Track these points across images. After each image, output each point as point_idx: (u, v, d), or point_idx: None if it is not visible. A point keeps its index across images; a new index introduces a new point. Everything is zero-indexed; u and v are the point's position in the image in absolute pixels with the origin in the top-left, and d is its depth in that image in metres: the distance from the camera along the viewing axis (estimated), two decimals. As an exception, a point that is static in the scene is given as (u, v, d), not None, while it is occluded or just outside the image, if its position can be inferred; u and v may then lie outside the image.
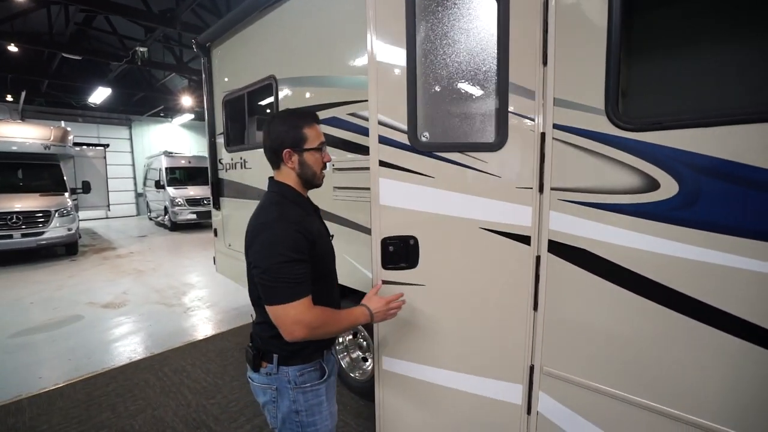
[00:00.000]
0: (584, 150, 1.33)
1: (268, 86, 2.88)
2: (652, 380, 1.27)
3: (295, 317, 1.05)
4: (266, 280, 1.07)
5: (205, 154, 4.08)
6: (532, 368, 1.51)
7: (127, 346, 3.57)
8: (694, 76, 1.41)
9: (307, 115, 1.23)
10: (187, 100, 12.05)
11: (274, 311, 1.07)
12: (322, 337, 1.14)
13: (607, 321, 1.34)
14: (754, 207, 1.07)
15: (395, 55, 1.44)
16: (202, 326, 4.00)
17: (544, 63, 1.36)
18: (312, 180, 1.24)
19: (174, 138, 16.31)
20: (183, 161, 11.47)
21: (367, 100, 2.06)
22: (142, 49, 8.19)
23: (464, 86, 1.49)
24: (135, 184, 15.50)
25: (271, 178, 1.26)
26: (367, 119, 2.11)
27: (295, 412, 1.18)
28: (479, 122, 1.50)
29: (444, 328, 1.55)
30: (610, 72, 1.24)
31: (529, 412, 1.53)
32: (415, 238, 1.49)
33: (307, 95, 2.54)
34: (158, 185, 11.07)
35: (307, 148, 1.18)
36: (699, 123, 1.13)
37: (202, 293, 5.15)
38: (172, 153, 11.73)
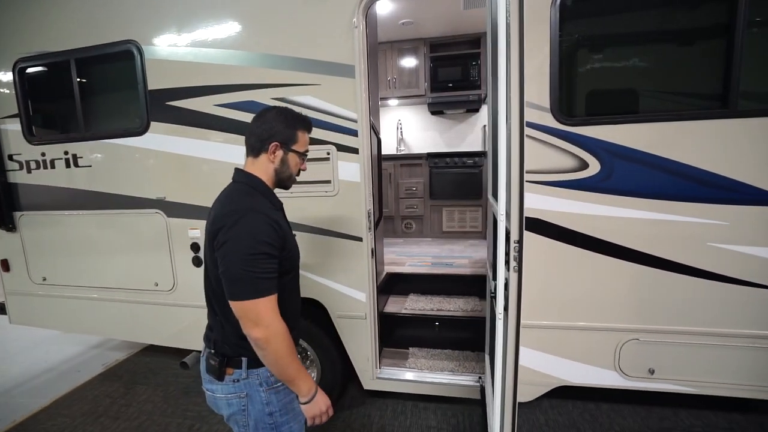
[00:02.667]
0: (535, 139, 1.69)
1: (124, 55, 2.14)
2: (580, 305, 1.77)
3: (262, 314, 1.00)
4: (237, 273, 1.00)
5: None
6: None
7: None
8: (611, 83, 1.82)
9: (305, 120, 1.23)
10: None
11: (241, 306, 1.00)
12: (264, 356, 1.03)
13: (556, 270, 1.76)
14: (645, 178, 1.65)
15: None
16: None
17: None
18: (285, 181, 1.23)
19: None
20: None
21: (304, 84, 1.93)
22: None
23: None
24: None
25: (238, 169, 1.20)
26: (304, 106, 1.94)
27: (269, 415, 1.13)
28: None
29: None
30: (553, 80, 1.64)
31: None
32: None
33: (205, 73, 2.05)
34: None
35: (293, 150, 1.19)
36: (614, 121, 1.64)
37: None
38: None
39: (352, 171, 1.94)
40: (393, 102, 4.45)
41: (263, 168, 1.16)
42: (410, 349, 2.37)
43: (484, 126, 4.43)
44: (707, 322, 1.69)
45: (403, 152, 4.49)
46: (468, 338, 2.32)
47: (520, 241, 1.12)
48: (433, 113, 4.45)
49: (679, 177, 1.63)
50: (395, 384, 2.11)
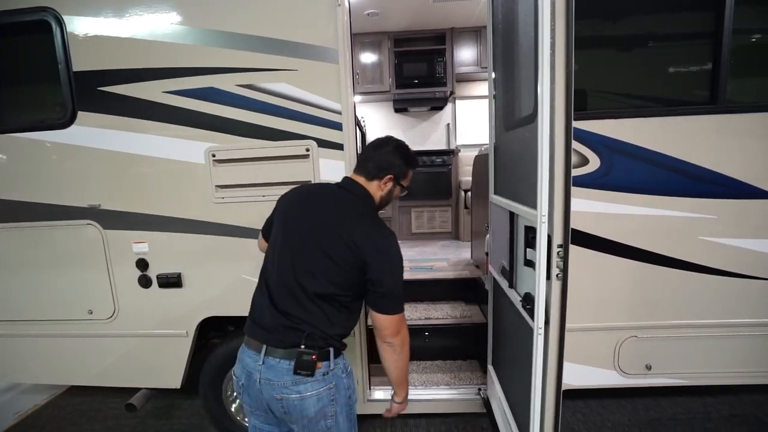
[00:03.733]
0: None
1: (38, 26, 1.70)
2: (580, 306, 1.69)
3: (402, 324, 1.21)
4: (399, 293, 1.18)
5: None
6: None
7: None
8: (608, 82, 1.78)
9: (415, 160, 1.32)
10: None
11: (392, 318, 1.17)
12: (397, 360, 1.24)
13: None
14: (642, 173, 1.62)
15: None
16: None
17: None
18: (383, 206, 1.32)
19: None
20: None
21: (277, 69, 1.65)
22: None
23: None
24: None
25: (353, 181, 1.27)
26: (278, 94, 1.66)
27: (348, 398, 1.21)
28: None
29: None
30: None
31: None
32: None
33: (150, 53, 1.68)
34: None
35: (401, 184, 1.30)
36: (613, 115, 1.59)
37: None
38: None
39: (336, 170, 1.70)
40: (356, 98, 4.23)
41: (373, 191, 1.26)
42: (398, 363, 2.18)
43: (448, 124, 4.38)
44: (700, 314, 1.72)
45: (366, 151, 4.28)
46: (459, 346, 2.19)
47: (565, 246, 0.99)
48: (396, 110, 4.31)
49: (673, 172, 1.63)
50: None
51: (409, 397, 1.97)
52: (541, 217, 0.98)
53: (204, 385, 1.94)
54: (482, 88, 4.29)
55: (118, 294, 1.85)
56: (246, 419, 1.98)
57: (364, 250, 1.12)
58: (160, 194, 1.77)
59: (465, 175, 3.81)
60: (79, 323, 1.90)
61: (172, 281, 1.80)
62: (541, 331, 1.03)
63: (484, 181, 2.57)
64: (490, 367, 1.78)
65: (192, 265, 1.81)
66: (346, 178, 1.29)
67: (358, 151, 1.74)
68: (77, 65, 1.71)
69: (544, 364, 1.06)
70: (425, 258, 3.11)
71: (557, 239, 0.99)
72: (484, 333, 1.97)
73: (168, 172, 1.74)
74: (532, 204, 1.07)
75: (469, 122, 4.34)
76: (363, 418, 2.10)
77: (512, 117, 1.40)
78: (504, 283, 1.44)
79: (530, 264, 1.14)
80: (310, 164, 1.70)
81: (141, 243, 1.81)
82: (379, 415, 2.13)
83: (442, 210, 3.77)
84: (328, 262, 1.13)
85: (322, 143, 1.69)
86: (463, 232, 3.71)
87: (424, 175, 3.70)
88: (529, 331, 1.10)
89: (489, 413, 1.74)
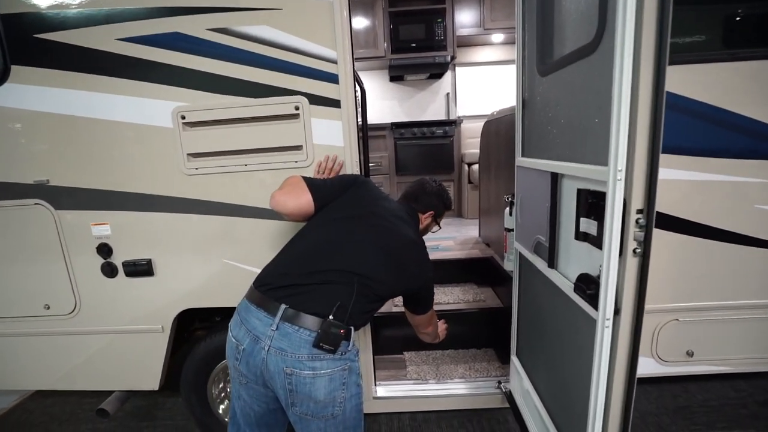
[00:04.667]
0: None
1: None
2: None
3: (433, 316, 1.42)
4: (430, 289, 1.32)
5: None
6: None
7: None
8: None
9: (451, 204, 1.51)
10: None
11: (423, 318, 1.37)
12: (428, 341, 1.53)
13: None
14: (687, 129, 1.36)
15: None
16: None
17: None
18: (422, 234, 1.41)
19: None
20: None
21: (256, 9, 1.34)
22: None
23: None
24: None
25: (414, 209, 1.40)
26: (259, 40, 1.36)
27: (358, 385, 1.09)
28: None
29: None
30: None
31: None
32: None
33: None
34: None
35: (437, 221, 1.47)
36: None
37: None
38: None
39: (332, 132, 1.43)
40: (346, 66, 3.88)
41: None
42: (405, 354, 1.96)
43: (448, 94, 4.07)
44: (752, 294, 1.51)
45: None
46: (473, 334, 1.97)
47: (648, 213, 0.74)
48: (392, 79, 3.97)
49: (723, 127, 1.38)
50: (398, 403, 1.70)
51: (422, 393, 1.78)
52: (616, 173, 0.73)
53: (186, 386, 1.70)
54: (485, 54, 3.96)
55: (78, 285, 1.57)
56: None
57: (409, 249, 1.19)
58: (119, 167, 1.47)
59: (468, 147, 3.54)
60: (36, 320, 1.62)
61: (141, 269, 1.53)
62: (609, 323, 0.80)
63: (495, 150, 2.31)
64: (514, 358, 1.56)
65: (164, 250, 1.53)
66: (407, 205, 1.39)
67: (358, 109, 1.46)
68: (5, 6, 1.37)
69: (610, 365, 0.82)
70: (429, 236, 2.85)
71: (636, 203, 0.74)
72: (501, 319, 1.76)
73: (128, 140, 1.44)
74: (597, 159, 0.82)
75: (470, 92, 4.03)
76: (366, 416, 1.90)
77: (551, 57, 1.13)
78: (539, 263, 1.19)
79: (586, 237, 0.89)
80: (301, 125, 1.41)
81: (101, 225, 1.52)
82: (385, 413, 1.94)
83: (445, 185, 3.51)
84: (384, 266, 1.11)
85: (315, 99, 1.40)
86: (467, 208, 3.46)
87: (424, 148, 3.42)
88: (587, 322, 0.86)
89: (513, 408, 1.54)
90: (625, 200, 0.75)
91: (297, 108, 1.40)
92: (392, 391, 1.68)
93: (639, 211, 0.75)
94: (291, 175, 1.28)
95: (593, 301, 0.83)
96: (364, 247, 1.11)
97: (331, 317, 0.98)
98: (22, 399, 2.33)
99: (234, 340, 1.05)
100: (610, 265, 0.77)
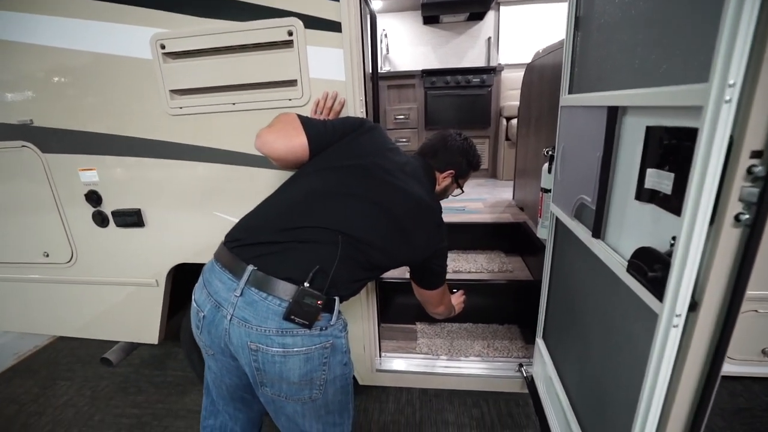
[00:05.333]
0: None
1: None
2: None
3: (446, 294, 1.24)
4: (442, 263, 1.12)
5: None
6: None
7: None
8: None
9: (478, 164, 1.26)
10: None
11: (433, 293, 1.18)
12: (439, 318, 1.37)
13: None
14: None
15: None
16: None
17: None
18: (437, 200, 1.14)
19: None
20: None
21: None
22: None
23: None
24: None
25: (429, 159, 1.18)
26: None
27: (344, 365, 0.90)
28: None
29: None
30: None
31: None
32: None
33: None
34: None
35: (458, 183, 1.22)
36: None
37: None
38: None
39: (332, 63, 1.17)
40: (375, 5, 3.48)
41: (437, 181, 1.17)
42: (417, 324, 1.79)
43: (489, 38, 3.58)
44: None
45: (389, 72, 3.61)
46: (495, 308, 1.75)
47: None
48: (426, 21, 3.53)
49: None
50: (403, 378, 1.54)
51: (433, 369, 1.62)
52: (724, 90, 0.44)
53: (186, 344, 1.65)
54: (536, -11, 3.39)
55: (72, 234, 1.50)
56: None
57: (420, 252, 1.02)
58: (100, 106, 1.32)
59: (508, 99, 3.12)
60: (38, 267, 1.59)
61: (130, 220, 1.42)
62: (679, 322, 0.54)
63: (537, 98, 1.95)
64: (539, 341, 1.33)
65: (152, 200, 1.40)
66: (423, 160, 1.15)
67: (364, 35, 1.18)
68: None
69: (672, 379, 0.58)
70: (455, 198, 2.59)
71: (752, 142, 0.46)
72: (529, 292, 1.51)
73: (103, 74, 1.28)
74: (685, 76, 0.53)
75: (516, 36, 3.51)
76: (371, 389, 1.78)
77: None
78: (581, 231, 0.92)
79: (653, 197, 0.62)
80: (295, 55, 1.16)
81: (89, 171, 1.40)
82: (391, 387, 1.81)
83: (479, 142, 3.15)
84: (382, 229, 0.92)
85: (311, 22, 1.14)
86: (503, 169, 3.11)
87: (458, 99, 3.04)
88: (644, 315, 0.61)
89: (533, 396, 1.33)
90: (732, 137, 0.47)
91: (290, 33, 1.15)
92: (398, 365, 1.53)
93: (756, 154, 0.46)
94: (283, 112, 1.07)
95: (657, 287, 0.57)
96: (359, 203, 0.91)
97: (306, 284, 0.80)
98: (54, 339, 2.45)
99: (195, 305, 0.90)
100: (692, 238, 0.50)
